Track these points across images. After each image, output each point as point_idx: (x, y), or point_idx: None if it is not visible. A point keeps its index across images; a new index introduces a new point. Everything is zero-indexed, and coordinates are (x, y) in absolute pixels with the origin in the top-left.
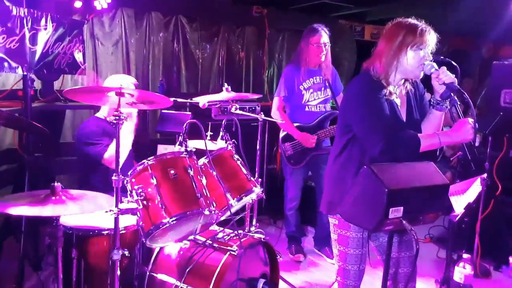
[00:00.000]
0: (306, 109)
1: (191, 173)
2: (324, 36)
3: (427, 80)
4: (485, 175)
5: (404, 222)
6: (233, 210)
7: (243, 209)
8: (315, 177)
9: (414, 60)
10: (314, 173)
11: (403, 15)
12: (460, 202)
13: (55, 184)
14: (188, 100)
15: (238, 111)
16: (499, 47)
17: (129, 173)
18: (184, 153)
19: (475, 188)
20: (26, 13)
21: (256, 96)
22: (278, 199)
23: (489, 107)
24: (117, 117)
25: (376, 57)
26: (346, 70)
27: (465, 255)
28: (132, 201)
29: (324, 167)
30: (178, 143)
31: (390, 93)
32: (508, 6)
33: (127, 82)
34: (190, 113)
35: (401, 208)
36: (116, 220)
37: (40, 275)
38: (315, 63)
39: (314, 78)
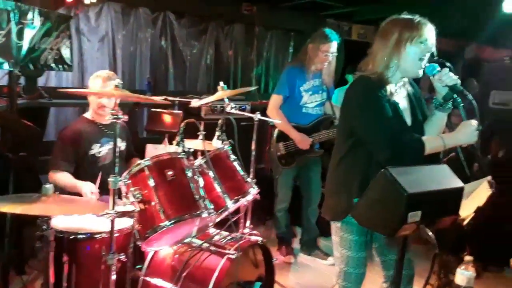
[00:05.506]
0: (304, 110)
1: (189, 174)
2: (334, 46)
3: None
4: (490, 177)
5: (422, 226)
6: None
7: (236, 210)
8: (302, 177)
9: (413, 55)
10: (302, 174)
11: (390, 15)
12: (466, 205)
13: (47, 185)
14: (184, 99)
15: (233, 111)
16: (482, 49)
17: (125, 174)
18: (182, 153)
19: (484, 191)
20: (13, 7)
21: (249, 89)
22: (267, 200)
23: (478, 108)
24: (115, 116)
25: (373, 56)
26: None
27: (467, 258)
28: (127, 203)
29: (314, 168)
30: (175, 143)
31: (391, 93)
32: (492, 8)
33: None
34: (181, 111)
35: (419, 212)
36: (112, 223)
37: (23, 278)
38: (318, 68)
39: (314, 80)
